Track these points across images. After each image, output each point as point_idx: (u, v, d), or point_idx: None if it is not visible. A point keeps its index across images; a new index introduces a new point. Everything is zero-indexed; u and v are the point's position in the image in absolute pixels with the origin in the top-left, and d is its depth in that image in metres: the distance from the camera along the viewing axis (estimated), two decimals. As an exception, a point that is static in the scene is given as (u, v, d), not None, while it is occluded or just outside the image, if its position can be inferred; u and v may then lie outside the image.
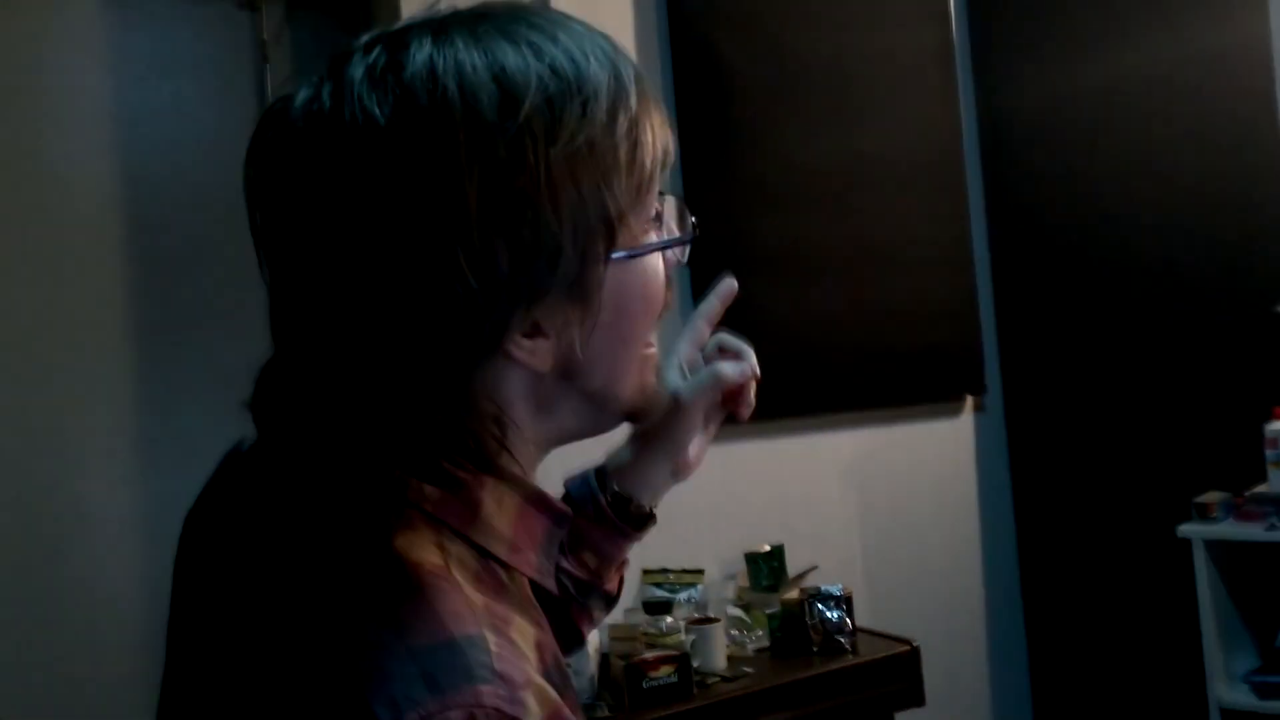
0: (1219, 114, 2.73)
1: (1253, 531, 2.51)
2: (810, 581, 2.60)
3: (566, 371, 0.66)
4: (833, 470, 2.94)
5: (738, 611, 2.60)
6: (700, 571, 2.60)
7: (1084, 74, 2.98)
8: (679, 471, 0.96)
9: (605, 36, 0.67)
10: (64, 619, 2.36)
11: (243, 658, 0.62)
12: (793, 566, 2.68)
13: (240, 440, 0.75)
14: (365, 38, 0.66)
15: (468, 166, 0.59)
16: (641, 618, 2.42)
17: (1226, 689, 2.55)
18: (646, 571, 2.60)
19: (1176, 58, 2.79)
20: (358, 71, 0.62)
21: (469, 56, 0.61)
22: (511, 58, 0.62)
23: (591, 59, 0.64)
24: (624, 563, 0.98)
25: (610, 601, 0.99)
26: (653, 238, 0.69)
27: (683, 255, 0.74)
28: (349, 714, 0.52)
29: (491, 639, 0.56)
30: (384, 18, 2.53)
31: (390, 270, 0.60)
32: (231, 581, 0.66)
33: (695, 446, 0.96)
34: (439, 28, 0.64)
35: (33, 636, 2.33)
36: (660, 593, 2.54)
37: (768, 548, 2.69)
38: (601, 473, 0.94)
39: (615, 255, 0.65)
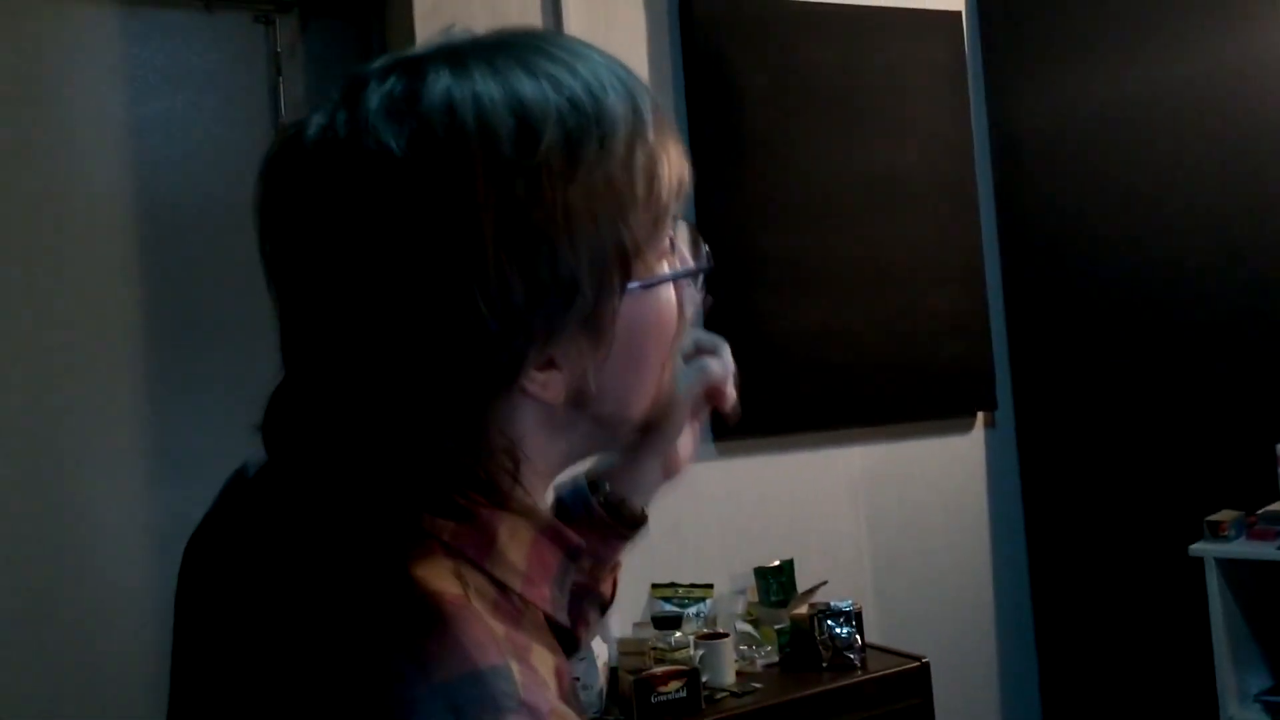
0: (1234, 129, 2.72)
1: (1265, 550, 2.49)
2: (820, 597, 2.60)
3: (579, 400, 0.65)
4: (843, 486, 2.93)
5: (747, 627, 2.59)
6: (710, 586, 2.60)
7: (1096, 89, 2.97)
8: (670, 470, 0.96)
9: (622, 65, 0.67)
10: (75, 630, 2.36)
11: (260, 688, 0.61)
12: (802, 582, 2.68)
13: (245, 465, 0.75)
14: (381, 62, 0.64)
15: (484, 202, 0.58)
16: (651, 632, 2.41)
17: (1238, 708, 2.54)
18: (656, 586, 2.60)
19: (1190, 73, 2.78)
20: (374, 100, 0.61)
21: (487, 89, 0.60)
22: (529, 90, 0.61)
23: (610, 91, 0.63)
24: (617, 565, 0.97)
25: (604, 606, 0.98)
26: (665, 266, 0.68)
27: (698, 283, 0.73)
28: None
29: (516, 668, 0.56)
30: (397, 31, 2.55)
31: (404, 305, 0.59)
32: (244, 610, 0.65)
33: (685, 444, 0.95)
34: (456, 58, 0.62)
35: (44, 647, 2.33)
36: (669, 607, 2.53)
37: (777, 563, 2.68)
38: (592, 476, 0.92)
39: (630, 286, 0.64)
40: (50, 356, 2.39)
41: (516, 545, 0.65)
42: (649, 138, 0.65)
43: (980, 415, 3.15)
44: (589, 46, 0.67)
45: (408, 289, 0.59)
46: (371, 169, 0.59)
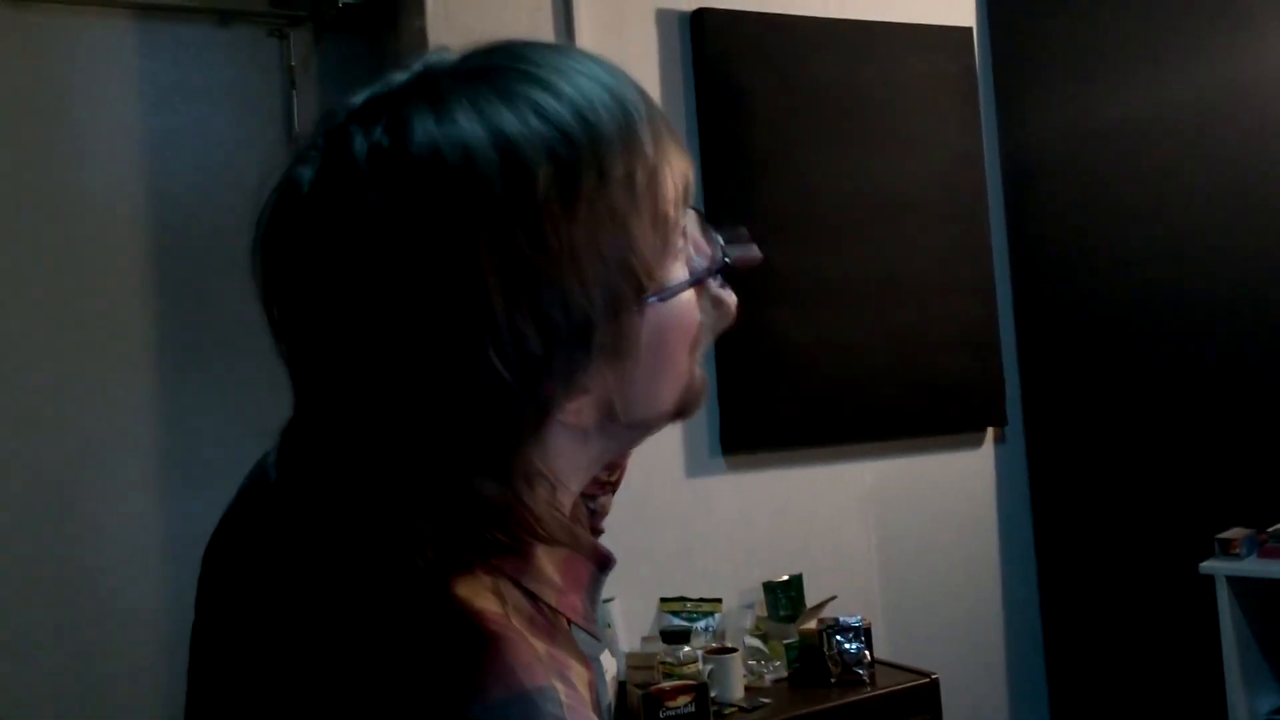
0: (1245, 145, 2.72)
1: (1277, 568, 2.48)
2: (829, 612, 2.59)
3: (610, 413, 0.64)
4: (852, 500, 2.93)
5: (756, 642, 2.59)
6: (718, 601, 2.59)
7: (1107, 104, 2.98)
8: None
9: (611, 71, 0.64)
10: (88, 639, 2.37)
11: (297, 704, 0.61)
12: (811, 597, 2.67)
13: (265, 464, 0.75)
14: (360, 101, 0.62)
15: (486, 256, 0.56)
16: (659, 647, 2.41)
17: (1250, 728, 2.52)
18: (665, 600, 2.60)
19: (1200, 88, 2.78)
20: (360, 152, 0.58)
21: (472, 131, 0.57)
22: (515, 127, 0.58)
23: (601, 110, 0.60)
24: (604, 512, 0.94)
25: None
26: (680, 266, 0.66)
27: (718, 282, 0.70)
28: None
29: (561, 688, 0.56)
30: (409, 45, 2.56)
31: (420, 368, 0.57)
32: (276, 624, 0.65)
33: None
34: (437, 95, 0.59)
35: (57, 656, 2.34)
36: (678, 622, 2.53)
37: (786, 578, 2.68)
38: None
39: (647, 301, 0.62)
40: (64, 368, 2.41)
41: (551, 559, 0.64)
42: (648, 153, 0.62)
43: (990, 430, 3.14)
44: (574, 55, 0.64)
45: (421, 352, 0.57)
46: (367, 232, 0.57)
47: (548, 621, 0.63)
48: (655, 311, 0.63)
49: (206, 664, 0.71)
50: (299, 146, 0.63)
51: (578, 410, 0.62)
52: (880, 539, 2.95)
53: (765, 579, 2.70)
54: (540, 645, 0.59)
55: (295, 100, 2.61)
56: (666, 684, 2.23)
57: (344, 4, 2.58)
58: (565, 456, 0.64)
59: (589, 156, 0.59)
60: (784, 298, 2.79)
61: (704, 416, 2.74)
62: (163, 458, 2.46)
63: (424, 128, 0.58)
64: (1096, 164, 3.01)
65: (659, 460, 2.69)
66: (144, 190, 2.50)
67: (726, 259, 0.69)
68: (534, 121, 0.58)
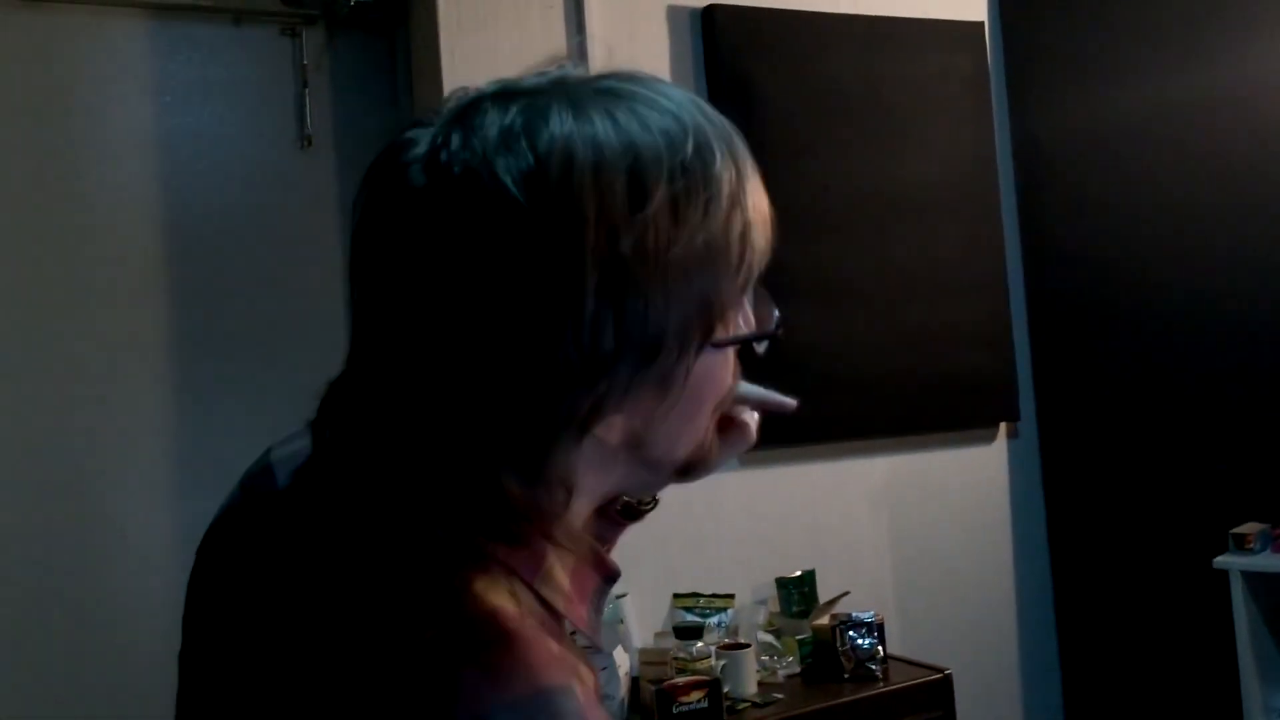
0: (1261, 140, 2.70)
1: (1291, 563, 2.48)
2: (842, 608, 2.59)
3: (633, 443, 0.66)
4: (865, 496, 2.93)
5: (768, 637, 2.59)
6: (731, 596, 2.60)
7: (1120, 100, 2.97)
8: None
9: (727, 124, 0.68)
10: (103, 637, 2.38)
11: (306, 698, 0.61)
12: (824, 592, 2.67)
13: (268, 462, 0.76)
14: (495, 88, 0.65)
15: (591, 252, 0.59)
16: (672, 642, 2.42)
17: (1265, 723, 2.52)
18: (678, 596, 2.60)
19: (1213, 85, 2.77)
20: (491, 129, 0.61)
21: (608, 139, 0.61)
22: (646, 148, 0.61)
23: (718, 154, 0.64)
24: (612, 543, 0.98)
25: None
26: (738, 324, 0.69)
27: (762, 346, 0.73)
28: None
29: (577, 688, 0.58)
30: (422, 45, 2.57)
31: (496, 341, 0.59)
32: (285, 614, 0.65)
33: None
34: (576, 99, 0.62)
35: (73, 654, 2.36)
36: (691, 617, 2.54)
37: (799, 573, 2.68)
38: None
39: (711, 340, 0.65)
40: (79, 366, 2.42)
41: (562, 566, 0.66)
42: (748, 205, 0.66)
43: (1003, 426, 3.14)
44: (695, 98, 0.68)
45: (504, 326, 0.59)
46: (483, 203, 0.59)
47: (558, 626, 0.64)
48: (708, 357, 0.66)
49: (210, 656, 0.71)
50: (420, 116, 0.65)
51: (610, 425, 0.64)
52: (893, 535, 2.95)
53: (778, 575, 2.70)
54: (556, 646, 0.60)
55: (308, 99, 2.62)
56: (679, 679, 2.23)
57: (356, 2, 2.59)
58: (584, 470, 0.66)
59: (700, 190, 0.62)
60: (796, 294, 2.79)
61: (716, 413, 2.74)
62: (176, 457, 2.47)
63: (560, 120, 0.61)
64: (1109, 160, 3.00)
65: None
66: (158, 188, 2.51)
67: (778, 330, 0.72)
68: (661, 145, 0.62)
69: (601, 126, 0.61)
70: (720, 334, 0.66)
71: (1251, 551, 2.53)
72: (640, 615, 2.57)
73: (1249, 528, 2.56)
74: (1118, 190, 2.99)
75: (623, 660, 2.38)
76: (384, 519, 0.63)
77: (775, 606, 2.70)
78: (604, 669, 2.21)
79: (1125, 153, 2.96)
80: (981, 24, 3.16)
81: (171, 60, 2.54)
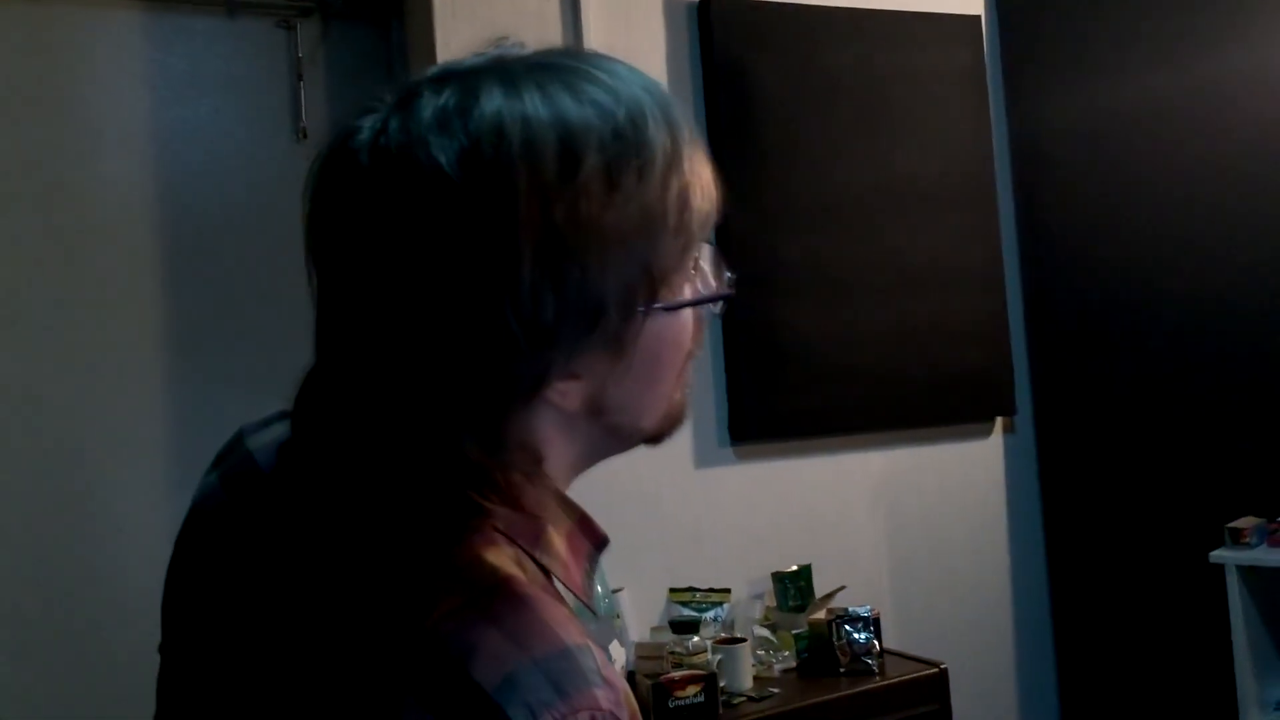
0: (1247, 135, 2.70)
1: (1286, 557, 2.48)
2: (838, 602, 2.59)
3: (595, 409, 0.69)
4: (861, 491, 2.92)
5: (765, 631, 2.59)
6: (727, 591, 2.60)
7: (1117, 93, 2.96)
8: None
9: (664, 93, 0.69)
10: (96, 630, 2.38)
11: (319, 669, 0.62)
12: (820, 587, 2.67)
13: (243, 445, 0.77)
14: (435, 71, 0.67)
15: (524, 223, 0.61)
16: (668, 637, 2.41)
17: (1259, 716, 2.52)
18: (674, 590, 2.60)
19: (1211, 78, 2.77)
20: (426, 111, 0.63)
21: (535, 111, 0.63)
22: (576, 117, 0.63)
23: (651, 121, 0.66)
24: None
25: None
26: (689, 288, 0.71)
27: (717, 307, 0.75)
28: None
29: (593, 647, 0.60)
30: (418, 36, 2.56)
31: (440, 315, 0.62)
32: (293, 598, 0.66)
33: None
34: (509, 77, 0.65)
35: (65, 646, 2.35)
36: (687, 612, 2.54)
37: (795, 568, 2.68)
38: None
39: (655, 306, 0.67)
40: (74, 359, 2.41)
41: (559, 534, 0.68)
42: (685, 169, 0.67)
43: (999, 420, 3.14)
44: (634, 71, 0.69)
45: (445, 300, 0.62)
46: (420, 182, 0.62)
47: (558, 594, 0.66)
48: (658, 320, 0.68)
49: (210, 646, 0.71)
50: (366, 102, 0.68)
51: (565, 392, 0.66)
52: (889, 529, 2.95)
53: (774, 569, 2.70)
54: (565, 609, 0.62)
55: (302, 91, 2.61)
56: (675, 674, 2.23)
57: (351, -6, 2.58)
58: (549, 437, 0.68)
59: (633, 156, 0.65)
60: (792, 288, 2.79)
61: (712, 407, 2.74)
62: (171, 450, 2.47)
63: (492, 99, 0.63)
64: (1107, 154, 3.00)
65: (667, 451, 2.68)
66: (152, 181, 2.50)
67: (729, 294, 0.75)
68: (592, 115, 0.64)
69: (531, 101, 0.63)
70: (666, 298, 0.68)
71: (1248, 546, 2.53)
72: (636, 610, 2.57)
73: (1245, 522, 2.56)
74: (1115, 185, 2.98)
75: (619, 655, 2.37)
76: (378, 499, 0.64)
77: (771, 601, 2.70)
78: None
79: (1123, 147, 2.96)
80: (979, 18, 3.15)
81: (165, 52, 2.53)
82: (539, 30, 2.57)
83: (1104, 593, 3.05)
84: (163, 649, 0.76)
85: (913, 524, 2.98)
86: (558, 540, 0.68)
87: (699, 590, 2.59)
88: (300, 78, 2.61)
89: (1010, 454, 3.15)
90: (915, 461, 3.00)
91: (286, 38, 2.62)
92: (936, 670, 2.47)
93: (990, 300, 3.09)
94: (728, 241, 2.74)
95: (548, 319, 0.62)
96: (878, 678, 2.43)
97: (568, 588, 0.68)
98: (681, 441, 2.71)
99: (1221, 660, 2.55)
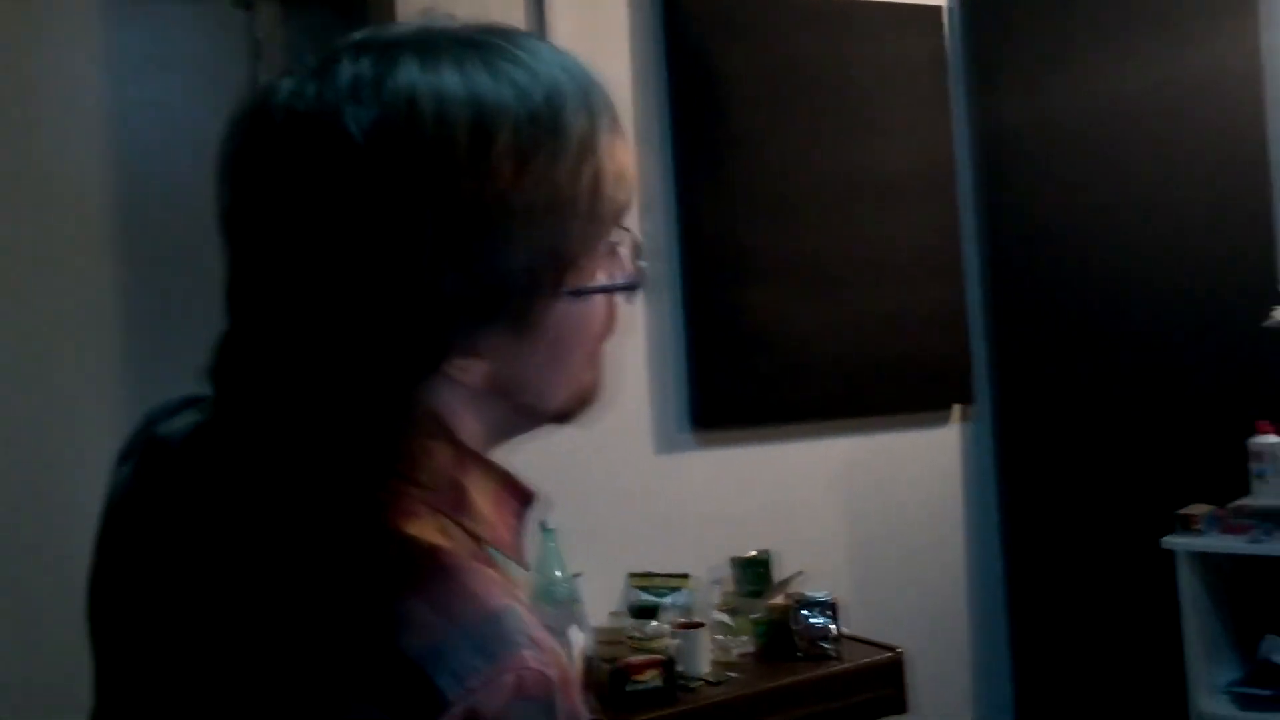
0: (1209, 131, 2.74)
1: (1236, 544, 2.52)
2: (797, 588, 2.61)
3: (499, 388, 0.68)
4: (821, 477, 2.94)
5: (723, 617, 2.60)
6: (686, 576, 2.60)
7: (1078, 86, 2.99)
8: None
9: (589, 76, 0.69)
10: (59, 623, 2.35)
11: (250, 650, 0.62)
12: (779, 573, 2.69)
13: (152, 429, 0.78)
14: (358, 38, 0.67)
15: (430, 195, 0.61)
16: (627, 621, 2.42)
17: (1208, 699, 2.56)
18: (633, 575, 2.60)
19: (1169, 75, 2.80)
20: (343, 78, 0.63)
21: (451, 87, 0.63)
22: (491, 95, 0.63)
23: (569, 104, 0.66)
24: None
25: None
26: (604, 274, 0.70)
27: (631, 295, 0.74)
28: (414, 692, 0.56)
29: (520, 608, 0.61)
30: (379, 18, 2.53)
31: (344, 283, 0.62)
32: (211, 574, 0.66)
33: None
34: (428, 49, 0.65)
35: (27, 640, 2.32)
36: (647, 597, 2.54)
37: (755, 554, 2.69)
38: None
39: (562, 292, 0.67)
40: (29, 342, 2.38)
41: (483, 497, 0.68)
42: (599, 153, 0.67)
43: (958, 408, 3.16)
44: (560, 52, 0.69)
45: (349, 268, 0.62)
46: (329, 148, 0.62)
47: (488, 557, 0.67)
48: (567, 305, 0.68)
49: (136, 629, 0.71)
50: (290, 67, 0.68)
51: (465, 368, 0.66)
52: (848, 515, 2.97)
53: (734, 555, 2.71)
54: (491, 572, 0.63)
55: (261, 73, 2.58)
56: (634, 658, 2.24)
57: (312, -25, 2.55)
58: (457, 415, 0.68)
59: (547, 139, 0.64)
60: (755, 276, 2.80)
61: (675, 393, 2.75)
62: (128, 432, 2.44)
63: (408, 71, 0.63)
64: (1069, 146, 3.03)
65: (629, 436, 2.69)
66: (109, 162, 2.47)
67: (639, 283, 0.74)
68: (508, 94, 0.63)
69: (450, 77, 0.63)
70: (575, 282, 0.67)
71: (1198, 532, 2.58)
72: (596, 594, 2.57)
73: (1196, 509, 2.61)
74: (1077, 178, 3.01)
75: (578, 639, 2.38)
76: (295, 479, 0.64)
77: (731, 586, 2.71)
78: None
79: (1083, 137, 2.99)
80: (940, 9, 3.16)
81: (123, 31, 2.50)
82: (501, 15, 2.55)
83: (1059, 578, 3.09)
84: (95, 651, 0.76)
85: (872, 510, 3.00)
86: (482, 502, 0.68)
87: (659, 575, 2.60)
88: (259, 59, 2.58)
89: (968, 441, 3.18)
90: (876, 449, 3.02)
91: (246, 19, 2.59)
92: (893, 655, 2.49)
93: (949, 290, 3.11)
94: (690, 229, 2.74)
95: (448, 294, 0.62)
96: (835, 662, 2.44)
97: (497, 549, 0.68)
98: (643, 427, 2.71)
99: (1173, 644, 2.59)
